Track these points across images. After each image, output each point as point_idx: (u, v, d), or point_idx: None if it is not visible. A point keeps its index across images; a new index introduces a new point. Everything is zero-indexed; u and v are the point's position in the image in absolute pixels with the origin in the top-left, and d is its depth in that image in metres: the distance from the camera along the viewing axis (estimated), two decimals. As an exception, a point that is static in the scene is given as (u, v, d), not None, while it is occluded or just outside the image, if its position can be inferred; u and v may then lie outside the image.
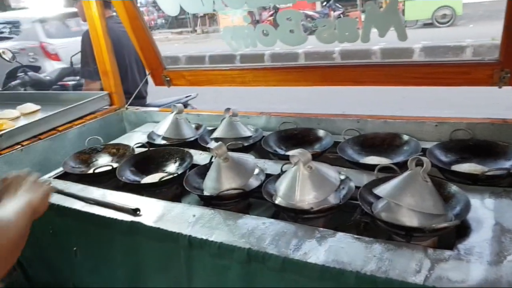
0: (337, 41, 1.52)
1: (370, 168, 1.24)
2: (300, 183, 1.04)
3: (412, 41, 7.47)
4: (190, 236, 0.88)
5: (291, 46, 1.61)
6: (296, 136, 1.49)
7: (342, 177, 1.13)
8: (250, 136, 1.49)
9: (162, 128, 1.56)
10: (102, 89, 2.34)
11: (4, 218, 0.78)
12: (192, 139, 1.56)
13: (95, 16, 1.76)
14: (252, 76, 1.80)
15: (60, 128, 1.58)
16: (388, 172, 1.16)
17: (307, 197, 1.03)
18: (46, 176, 1.34)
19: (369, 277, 0.75)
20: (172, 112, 1.60)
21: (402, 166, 1.20)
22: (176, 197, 1.31)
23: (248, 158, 1.20)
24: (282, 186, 1.08)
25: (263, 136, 1.49)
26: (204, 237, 0.87)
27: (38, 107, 1.86)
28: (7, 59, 3.33)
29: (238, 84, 1.86)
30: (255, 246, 0.89)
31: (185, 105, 3.33)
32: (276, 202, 1.07)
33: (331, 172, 1.09)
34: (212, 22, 15.08)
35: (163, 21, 16.56)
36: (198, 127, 1.67)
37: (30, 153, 1.44)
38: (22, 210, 0.85)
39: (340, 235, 0.93)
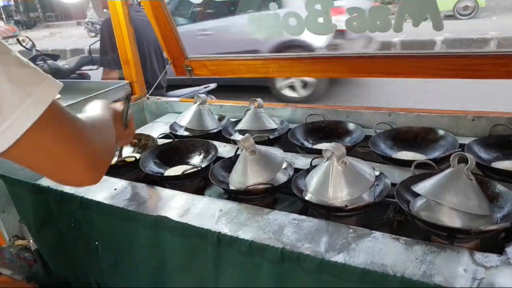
0: (368, 31, 1.46)
1: (403, 163, 1.18)
2: (333, 179, 0.98)
3: (433, 34, 7.25)
4: (219, 233, 0.83)
5: (318, 35, 1.54)
6: (324, 129, 1.43)
7: (377, 173, 1.07)
8: (276, 129, 1.43)
9: (185, 119, 1.51)
10: (120, 78, 2.32)
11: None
12: (215, 130, 1.51)
13: (117, 3, 1.72)
14: (277, 66, 1.74)
15: (81, 118, 1.54)
16: (424, 169, 1.10)
17: (340, 194, 0.97)
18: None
19: (415, 283, 0.69)
20: (195, 103, 1.55)
21: (439, 163, 1.14)
22: (200, 190, 1.28)
23: (276, 152, 1.15)
24: (313, 181, 1.02)
25: (289, 129, 1.43)
26: (234, 234, 0.82)
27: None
28: (27, 47, 3.33)
29: (262, 74, 1.80)
30: (288, 245, 0.85)
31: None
32: (307, 198, 1.01)
33: (366, 168, 1.03)
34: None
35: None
36: (221, 119, 1.63)
37: (50, 142, 1.40)
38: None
39: (377, 234, 0.87)
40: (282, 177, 1.13)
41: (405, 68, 1.53)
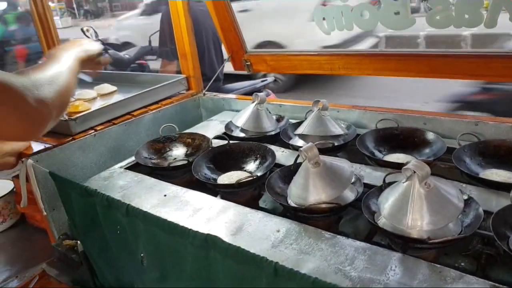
0: (452, 26, 1.27)
1: (496, 186, 0.99)
2: (414, 204, 0.82)
3: (507, 27, 6.54)
4: (276, 263, 0.72)
5: (394, 30, 1.36)
6: (397, 137, 1.26)
7: (465, 197, 0.89)
8: (341, 134, 1.28)
9: (241, 119, 1.41)
10: (178, 71, 2.26)
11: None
12: (273, 133, 1.39)
13: (177, -7, 1.64)
14: (344, 63, 1.58)
15: (135, 113, 1.50)
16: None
17: (421, 223, 0.81)
18: (117, 166, 1.26)
19: None
20: (253, 102, 1.44)
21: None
22: (254, 199, 1.17)
23: (344, 164, 1.01)
24: (387, 204, 0.87)
25: (357, 135, 1.27)
26: (295, 268, 0.70)
27: (114, 88, 1.81)
28: (90, 37, 3.39)
29: (326, 71, 1.65)
30: (359, 283, 0.71)
31: (260, 90, 3.20)
32: (380, 224, 0.86)
33: (453, 191, 0.86)
34: (287, 3, 14.72)
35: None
36: (279, 119, 1.50)
37: (104, 138, 1.36)
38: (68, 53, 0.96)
39: (469, 278, 0.71)
40: (349, 194, 0.98)
41: (498, 70, 1.31)
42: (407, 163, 0.86)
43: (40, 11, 1.97)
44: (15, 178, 1.48)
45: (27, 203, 1.22)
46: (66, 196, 1.10)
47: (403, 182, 0.86)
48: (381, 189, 0.95)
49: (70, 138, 1.29)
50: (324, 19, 1.48)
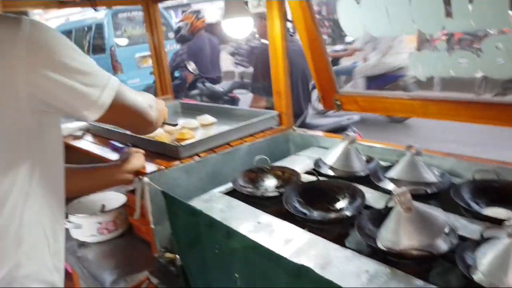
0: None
1: None
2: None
3: None
4: (368, 302, 0.74)
5: (498, 77, 1.34)
6: (497, 190, 1.20)
7: None
8: (435, 182, 1.26)
9: (331, 157, 1.45)
10: (268, 107, 2.40)
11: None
12: (362, 174, 1.41)
13: (277, 36, 1.77)
14: (438, 108, 1.56)
15: (232, 143, 1.63)
16: None
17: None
18: (216, 190, 1.39)
19: None
20: (343, 140, 1.48)
21: None
22: (340, 238, 1.19)
23: (437, 213, 1.00)
24: (486, 259, 0.85)
25: (451, 184, 1.25)
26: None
27: (214, 119, 1.98)
28: (191, 70, 3.75)
29: (419, 115, 1.65)
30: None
31: (345, 127, 3.21)
32: (476, 279, 0.84)
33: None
34: (375, 42, 14.58)
35: (325, 38, 16.72)
36: (369, 160, 1.52)
37: (205, 164, 1.51)
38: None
39: None
40: (442, 244, 0.97)
41: None
42: (509, 219, 0.84)
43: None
44: (129, 192, 1.68)
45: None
46: (174, 213, 1.23)
47: (506, 240, 0.84)
48: (478, 243, 0.93)
49: (178, 162, 1.45)
50: (419, 64, 1.50)
